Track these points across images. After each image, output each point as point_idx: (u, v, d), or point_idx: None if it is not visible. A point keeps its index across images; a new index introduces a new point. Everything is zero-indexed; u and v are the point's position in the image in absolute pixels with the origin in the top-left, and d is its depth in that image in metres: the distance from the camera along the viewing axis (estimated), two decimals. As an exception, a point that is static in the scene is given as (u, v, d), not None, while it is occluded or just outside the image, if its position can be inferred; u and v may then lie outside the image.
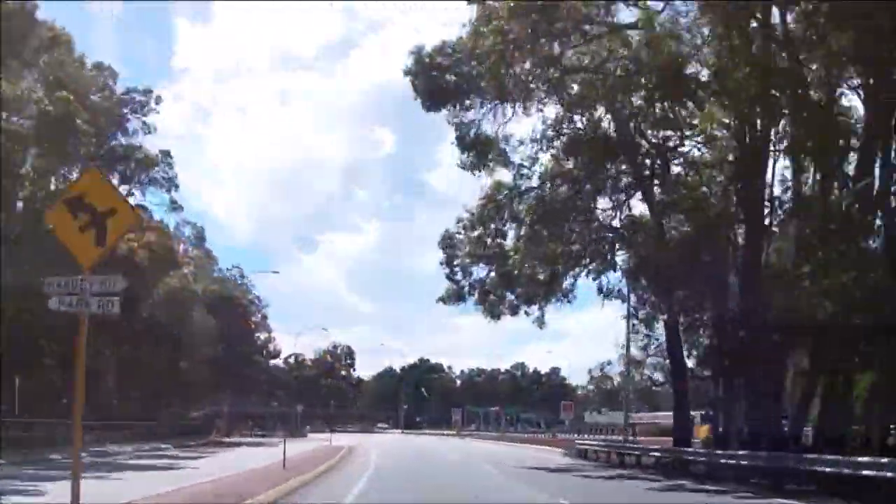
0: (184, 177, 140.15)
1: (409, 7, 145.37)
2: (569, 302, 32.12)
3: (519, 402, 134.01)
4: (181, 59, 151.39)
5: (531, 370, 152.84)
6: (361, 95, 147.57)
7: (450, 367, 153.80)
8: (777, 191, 25.80)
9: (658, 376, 38.96)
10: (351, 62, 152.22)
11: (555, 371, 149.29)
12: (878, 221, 22.65)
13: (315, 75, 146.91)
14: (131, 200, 31.57)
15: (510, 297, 32.38)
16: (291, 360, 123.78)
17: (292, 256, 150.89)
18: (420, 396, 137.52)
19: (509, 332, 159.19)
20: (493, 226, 31.26)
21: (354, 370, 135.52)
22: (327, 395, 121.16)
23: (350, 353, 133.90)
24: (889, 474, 14.83)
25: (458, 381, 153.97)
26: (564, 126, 29.08)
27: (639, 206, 29.95)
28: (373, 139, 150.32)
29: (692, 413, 33.04)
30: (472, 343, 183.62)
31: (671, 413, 33.63)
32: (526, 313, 32.60)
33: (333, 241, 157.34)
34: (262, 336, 69.64)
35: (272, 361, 77.49)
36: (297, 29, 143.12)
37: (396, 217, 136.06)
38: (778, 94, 22.09)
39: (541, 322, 32.46)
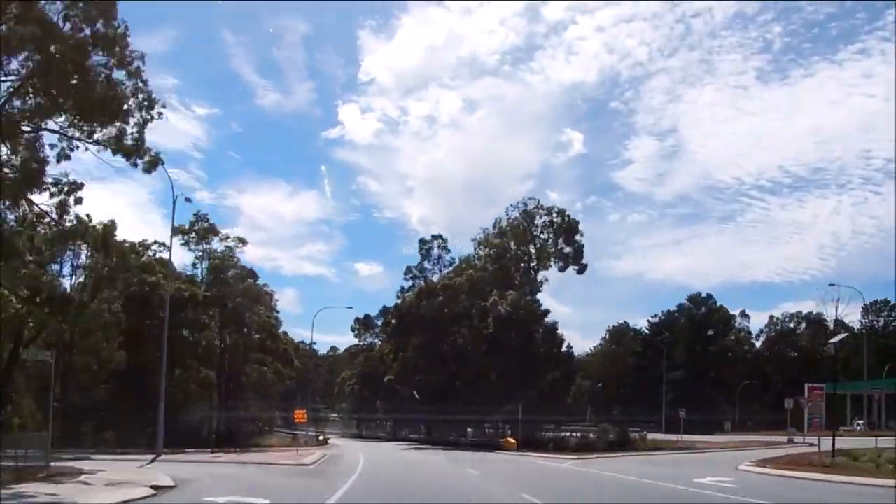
0: (375, 186, 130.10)
1: (592, 6, 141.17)
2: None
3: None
4: (367, 71, 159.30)
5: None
6: (548, 97, 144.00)
7: (743, 313, 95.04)
8: None
9: None
10: (535, 65, 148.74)
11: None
12: None
13: (500, 80, 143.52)
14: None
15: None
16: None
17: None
18: (695, 367, 77.07)
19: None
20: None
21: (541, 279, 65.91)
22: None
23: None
24: None
25: (761, 339, 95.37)
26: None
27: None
28: (562, 141, 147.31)
29: None
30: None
31: None
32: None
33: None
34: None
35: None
36: (479, 36, 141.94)
37: (587, 218, 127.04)
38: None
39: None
